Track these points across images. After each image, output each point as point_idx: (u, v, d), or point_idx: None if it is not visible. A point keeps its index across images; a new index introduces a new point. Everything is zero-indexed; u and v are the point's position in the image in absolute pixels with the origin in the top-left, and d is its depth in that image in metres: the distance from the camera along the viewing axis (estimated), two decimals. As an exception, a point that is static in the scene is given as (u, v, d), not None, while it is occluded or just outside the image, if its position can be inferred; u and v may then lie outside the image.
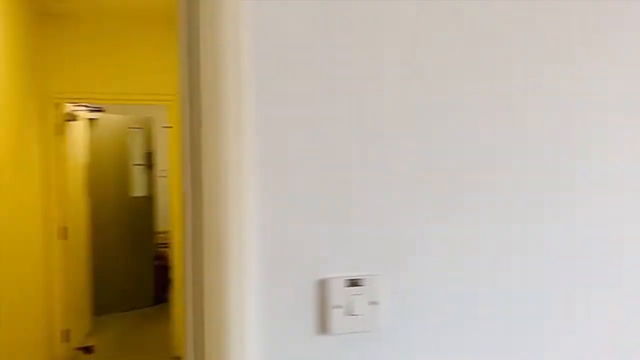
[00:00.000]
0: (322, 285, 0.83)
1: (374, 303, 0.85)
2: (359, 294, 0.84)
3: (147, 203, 5.62)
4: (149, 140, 5.63)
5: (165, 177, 6.45)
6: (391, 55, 0.84)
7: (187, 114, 0.87)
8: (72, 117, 4.30)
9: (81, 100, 4.10)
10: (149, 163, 5.60)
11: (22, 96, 3.51)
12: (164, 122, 6.26)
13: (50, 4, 3.70)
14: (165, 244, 6.54)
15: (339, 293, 0.83)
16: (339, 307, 0.83)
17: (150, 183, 5.62)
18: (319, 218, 0.82)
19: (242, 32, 0.78)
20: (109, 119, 5.33)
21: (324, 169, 0.83)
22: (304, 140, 0.82)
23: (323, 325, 0.83)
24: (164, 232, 6.39)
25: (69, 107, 4.31)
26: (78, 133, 4.55)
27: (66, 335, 4.11)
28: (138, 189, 5.62)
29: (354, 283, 0.84)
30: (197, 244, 0.92)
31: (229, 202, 0.78)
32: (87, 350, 4.38)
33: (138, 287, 5.57)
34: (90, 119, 5.09)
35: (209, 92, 0.79)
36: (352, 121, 0.83)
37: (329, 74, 0.82)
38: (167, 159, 6.77)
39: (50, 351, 4.01)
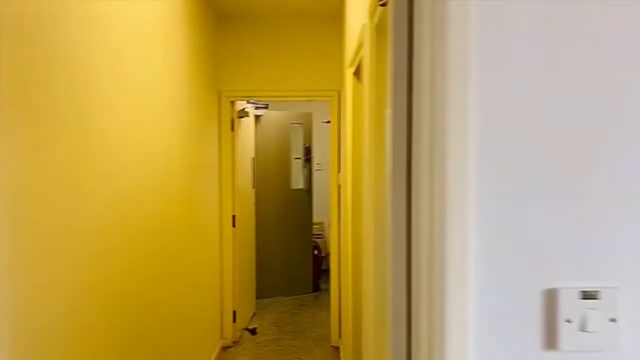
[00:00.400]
0: (551, 295, 0.74)
1: (612, 320, 0.74)
2: (595, 308, 0.74)
3: (306, 195, 5.84)
4: (307, 134, 5.84)
5: (320, 170, 6.67)
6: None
7: (398, 118, 0.84)
8: (243, 114, 4.61)
9: (251, 98, 4.37)
10: (308, 157, 5.82)
11: (204, 94, 3.83)
12: (322, 117, 6.47)
13: (225, 6, 3.99)
14: (319, 234, 6.77)
15: (572, 306, 0.74)
16: (569, 321, 0.74)
17: (308, 176, 5.83)
18: (550, 218, 0.74)
19: (470, 35, 0.72)
20: (272, 115, 5.62)
21: (558, 169, 0.73)
22: (529, 142, 0.73)
23: (550, 340, 0.74)
24: (317, 224, 6.61)
25: (240, 104, 4.63)
26: (247, 129, 4.87)
27: (234, 316, 4.43)
28: (297, 182, 5.86)
29: (588, 295, 0.74)
30: (396, 244, 0.88)
31: (449, 203, 0.73)
32: (252, 331, 4.68)
33: (297, 274, 5.83)
34: (256, 116, 5.42)
35: (430, 98, 0.75)
36: (601, 121, 0.73)
37: (556, 76, 0.73)
38: (323, 153, 7.00)
39: (221, 330, 4.36)
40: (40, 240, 1.45)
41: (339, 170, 4.31)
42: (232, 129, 4.38)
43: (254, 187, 5.16)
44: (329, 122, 6.10)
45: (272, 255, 5.65)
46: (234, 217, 4.40)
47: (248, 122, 4.93)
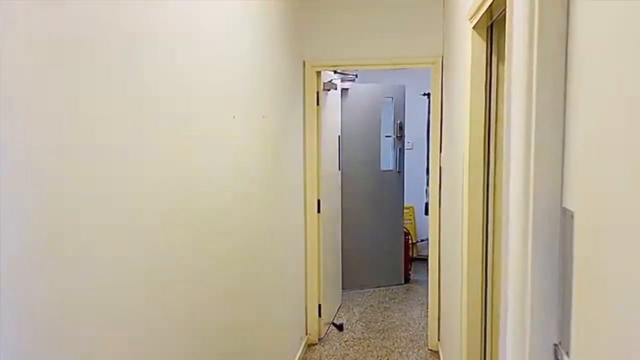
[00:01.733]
0: None
1: None
2: None
3: (396, 177, 5.28)
4: (399, 110, 5.26)
5: (410, 149, 6.06)
6: None
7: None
8: (330, 86, 4.11)
9: (339, 67, 3.85)
10: (399, 135, 5.24)
11: (288, 64, 3.37)
12: (417, 90, 5.84)
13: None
14: (408, 220, 6.20)
15: None
16: None
17: (399, 156, 5.26)
18: None
19: None
20: (360, 89, 5.09)
21: None
22: None
23: None
24: (407, 208, 6.03)
25: (326, 76, 4.13)
26: (333, 104, 4.37)
27: (319, 310, 4.01)
28: (387, 162, 5.31)
29: None
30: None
31: None
32: (339, 327, 4.25)
33: (387, 264, 5.32)
34: (343, 89, 4.91)
35: None
36: None
37: None
38: (416, 130, 6.38)
39: (306, 325, 3.96)
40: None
41: (440, 150, 3.71)
42: (318, 102, 3.90)
43: (340, 169, 4.68)
44: (426, 94, 5.50)
45: (358, 242, 5.17)
46: (319, 201, 3.95)
47: (334, 97, 4.43)
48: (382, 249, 5.27)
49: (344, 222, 4.88)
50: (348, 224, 5.02)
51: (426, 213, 4.90)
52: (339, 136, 4.63)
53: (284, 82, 3.26)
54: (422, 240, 6.56)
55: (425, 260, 6.30)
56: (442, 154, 3.62)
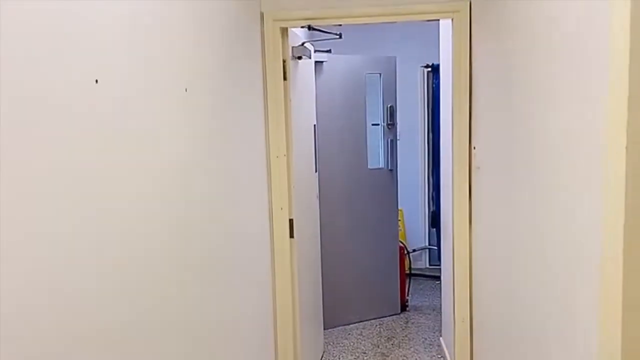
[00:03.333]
0: None
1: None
2: None
3: (387, 177, 4.07)
4: (390, 90, 4.03)
5: (398, 139, 4.88)
6: None
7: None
8: (302, 53, 2.86)
9: (317, 20, 2.59)
10: (390, 122, 4.03)
11: (240, 15, 2.09)
12: (413, 62, 4.63)
13: None
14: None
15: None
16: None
17: (391, 150, 4.05)
18: None
19: None
20: (338, 62, 3.84)
21: None
22: None
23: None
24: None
25: (296, 37, 2.87)
26: (306, 78, 3.11)
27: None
28: (376, 159, 4.09)
29: None
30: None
31: None
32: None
33: (379, 289, 4.12)
34: (316, 63, 3.67)
35: None
36: None
37: None
38: (407, 116, 5.18)
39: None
40: None
41: (470, 143, 2.52)
42: (285, 76, 2.64)
43: (316, 170, 3.44)
44: (428, 66, 4.30)
45: (342, 265, 3.95)
46: (291, 222, 2.71)
47: (307, 70, 3.18)
48: (372, 271, 4.07)
49: (323, 239, 3.65)
50: (328, 242, 3.80)
51: (433, 225, 3.70)
52: (315, 126, 3.39)
53: (227, 43, 1.99)
54: (414, 250, 5.39)
55: (421, 276, 5.18)
56: (477, 149, 2.42)
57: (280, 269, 2.69)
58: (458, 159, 2.59)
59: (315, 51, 3.68)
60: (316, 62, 3.68)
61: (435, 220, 3.49)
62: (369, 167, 4.01)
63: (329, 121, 3.82)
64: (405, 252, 4.62)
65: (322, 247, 3.65)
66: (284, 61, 2.63)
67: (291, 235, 2.73)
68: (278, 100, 2.58)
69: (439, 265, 5.61)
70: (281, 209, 2.65)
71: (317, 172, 3.45)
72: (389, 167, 4.05)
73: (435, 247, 5.35)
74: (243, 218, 2.22)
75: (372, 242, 4.05)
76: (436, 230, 3.91)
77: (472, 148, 2.48)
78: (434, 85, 3.60)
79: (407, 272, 4.83)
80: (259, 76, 2.50)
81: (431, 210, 3.84)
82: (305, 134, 3.06)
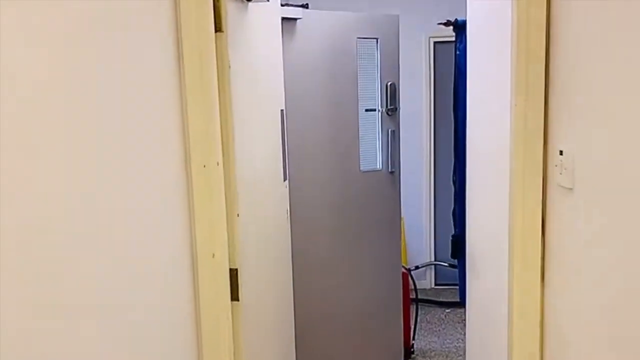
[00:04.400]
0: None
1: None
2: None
3: (388, 182, 2.97)
4: (390, 61, 2.91)
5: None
6: None
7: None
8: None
9: None
10: (391, 107, 2.90)
11: None
12: (426, 21, 3.52)
13: None
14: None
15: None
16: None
17: (393, 145, 2.93)
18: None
19: None
20: (318, 20, 2.71)
21: None
22: None
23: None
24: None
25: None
26: (260, 35, 1.98)
27: None
28: (370, 157, 2.98)
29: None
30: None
31: None
32: None
33: (375, 332, 3.04)
34: (285, 21, 2.54)
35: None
36: None
37: None
38: (411, 97, 4.09)
39: None
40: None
41: (547, 144, 1.41)
42: (219, 27, 1.51)
43: (286, 178, 2.32)
44: (450, 23, 3.18)
45: (324, 303, 2.86)
46: (234, 274, 1.60)
47: (264, 22, 2.04)
48: (366, 310, 2.99)
49: (297, 273, 2.56)
50: (305, 275, 2.71)
51: (454, 256, 2.57)
52: (282, 112, 2.26)
53: None
54: (417, 267, 4.32)
55: (427, 302, 4.10)
56: (567, 155, 1.31)
57: (214, 355, 1.58)
58: (521, 170, 1.48)
59: (284, 4, 2.56)
60: (285, 19, 2.55)
61: (457, 247, 2.41)
62: (361, 169, 2.89)
63: (304, 106, 2.70)
64: (407, 271, 3.53)
65: (296, 284, 2.55)
66: (215, 3, 1.50)
67: (234, 297, 1.62)
68: (204, 67, 1.45)
69: (448, 285, 4.53)
70: (213, 256, 1.53)
71: (286, 181, 2.34)
72: (390, 169, 2.94)
73: (444, 264, 4.28)
74: (126, 286, 1.12)
75: (366, 272, 2.96)
76: (459, 263, 2.82)
77: (557, 153, 1.37)
78: (457, 52, 2.47)
79: (411, 297, 3.75)
80: (166, 25, 1.37)
81: (453, 233, 2.71)
82: (263, 124, 1.94)
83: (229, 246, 1.58)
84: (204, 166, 1.48)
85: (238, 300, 1.63)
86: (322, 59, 2.74)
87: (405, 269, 3.24)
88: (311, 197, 2.76)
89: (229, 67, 1.56)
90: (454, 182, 2.27)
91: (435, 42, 4.13)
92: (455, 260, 4.17)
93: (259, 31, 1.91)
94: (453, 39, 4.15)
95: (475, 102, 2.13)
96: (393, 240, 3.02)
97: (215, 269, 1.54)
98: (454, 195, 2.28)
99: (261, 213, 1.90)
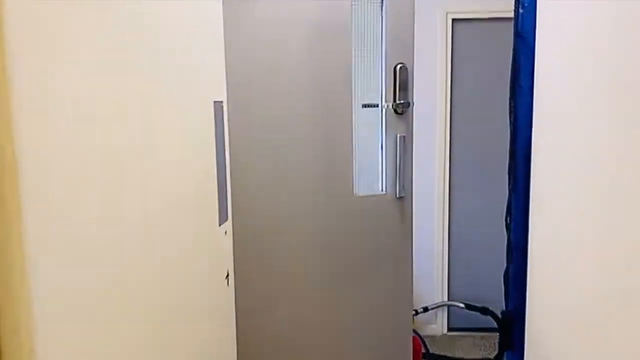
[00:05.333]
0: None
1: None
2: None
3: (396, 212, 2.02)
4: (399, 34, 1.97)
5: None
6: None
7: None
8: None
9: None
10: (401, 101, 1.96)
11: None
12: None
13: None
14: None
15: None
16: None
17: (403, 157, 1.99)
18: None
19: None
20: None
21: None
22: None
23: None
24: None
25: None
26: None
27: None
28: (371, 175, 2.03)
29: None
30: None
31: None
32: None
33: None
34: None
35: None
36: None
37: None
38: (442, 90, 3.18)
39: None
40: None
41: None
42: None
43: (223, 219, 1.37)
44: None
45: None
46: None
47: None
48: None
49: (272, 335, 1.63)
50: (282, 340, 1.78)
51: (504, 347, 1.59)
52: (220, 105, 1.32)
53: None
54: (426, 310, 3.40)
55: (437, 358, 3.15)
56: None
57: None
58: None
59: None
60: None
61: (508, 333, 1.46)
62: (356, 192, 1.96)
63: (272, 99, 1.78)
64: (420, 337, 2.60)
65: (273, 347, 1.62)
66: None
67: None
68: None
69: (464, 330, 3.66)
70: None
71: (226, 224, 1.40)
72: (398, 193, 2.00)
73: (460, 305, 3.35)
74: None
75: (363, 335, 2.03)
76: (511, 357, 1.84)
77: None
78: (519, 28, 1.54)
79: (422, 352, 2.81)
80: None
81: (503, 311, 1.70)
82: (157, 123, 1.00)
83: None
84: None
85: None
86: (301, 32, 1.81)
87: (417, 334, 2.31)
88: (286, 234, 1.84)
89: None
90: (508, 226, 1.38)
91: (454, 20, 3.21)
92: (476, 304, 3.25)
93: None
94: (477, 15, 3.22)
95: (539, 93, 1.20)
96: (401, 293, 2.09)
97: None
98: (508, 250, 1.38)
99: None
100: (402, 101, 1.95)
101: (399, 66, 1.94)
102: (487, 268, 3.36)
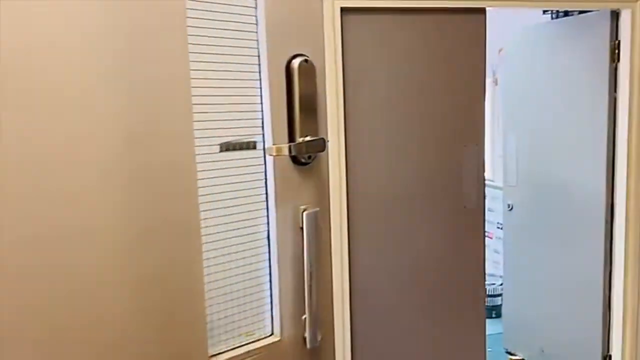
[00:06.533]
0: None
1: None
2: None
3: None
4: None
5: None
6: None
7: None
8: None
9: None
10: (310, 138, 0.91)
11: None
12: None
13: None
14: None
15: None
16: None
17: (317, 262, 0.91)
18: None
19: None
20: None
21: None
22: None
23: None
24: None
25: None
26: None
27: None
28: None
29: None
30: None
31: None
32: None
33: None
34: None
35: None
36: None
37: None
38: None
39: None
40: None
41: None
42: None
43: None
44: None
45: None
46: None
47: None
48: None
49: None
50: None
51: None
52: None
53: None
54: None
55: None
56: None
57: None
58: None
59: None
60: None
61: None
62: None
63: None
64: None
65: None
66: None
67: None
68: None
69: None
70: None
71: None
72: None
73: None
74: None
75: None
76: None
77: None
78: None
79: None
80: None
81: None
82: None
83: None
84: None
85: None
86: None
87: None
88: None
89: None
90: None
91: (343, 9, 2.21)
92: None
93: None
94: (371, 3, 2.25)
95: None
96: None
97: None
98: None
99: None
100: (307, 137, 0.91)
101: (296, 61, 0.90)
102: None
